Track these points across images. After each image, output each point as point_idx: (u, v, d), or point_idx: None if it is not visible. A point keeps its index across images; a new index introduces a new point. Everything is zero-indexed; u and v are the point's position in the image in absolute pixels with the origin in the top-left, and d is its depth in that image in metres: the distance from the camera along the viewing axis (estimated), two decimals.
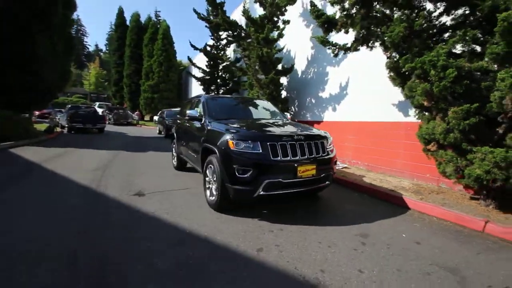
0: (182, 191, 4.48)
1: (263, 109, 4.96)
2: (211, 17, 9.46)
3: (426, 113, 3.93)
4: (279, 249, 2.56)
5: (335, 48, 5.16)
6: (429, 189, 4.42)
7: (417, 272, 2.22)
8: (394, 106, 5.57)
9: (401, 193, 4.11)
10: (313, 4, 5.08)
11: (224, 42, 14.09)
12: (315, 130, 3.80)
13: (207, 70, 13.98)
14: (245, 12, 7.48)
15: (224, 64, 14.04)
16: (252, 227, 3.05)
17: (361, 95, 6.41)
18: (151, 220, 3.23)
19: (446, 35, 3.50)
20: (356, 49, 4.84)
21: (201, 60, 14.98)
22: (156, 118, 24.99)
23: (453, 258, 2.46)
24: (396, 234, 2.92)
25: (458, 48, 3.35)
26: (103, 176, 5.34)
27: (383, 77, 5.73)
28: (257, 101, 5.24)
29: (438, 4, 3.44)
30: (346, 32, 4.91)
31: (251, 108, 4.91)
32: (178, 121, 6.01)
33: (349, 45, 5.00)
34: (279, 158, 3.15)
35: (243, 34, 7.97)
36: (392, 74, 4.19)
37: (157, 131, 18.01)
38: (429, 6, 3.59)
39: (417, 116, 4.26)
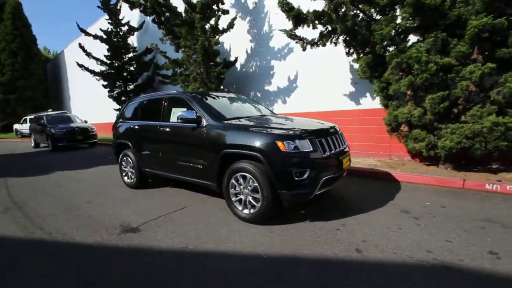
0: (181, 211, 3.64)
1: (252, 105, 4.59)
2: None
3: (393, 102, 4.74)
4: (371, 244, 2.54)
5: (303, 42, 5.35)
6: (391, 163, 5.39)
7: (476, 229, 2.73)
8: (345, 96, 6.37)
9: (383, 169, 4.84)
10: None
11: (125, 28, 11.90)
12: (326, 122, 3.88)
13: (108, 61, 11.44)
14: None
15: (131, 55, 11.89)
16: (315, 230, 2.86)
17: (311, 87, 6.96)
18: (195, 258, 2.49)
19: (412, 36, 4.29)
20: (324, 45, 5.18)
21: (90, 50, 12.04)
22: (21, 126, 18.54)
23: (478, 211, 3.15)
24: (423, 204, 3.45)
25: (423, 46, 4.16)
26: (35, 217, 3.66)
27: (332, 71, 6.47)
28: (240, 97, 4.79)
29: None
30: (314, 27, 5.18)
31: (242, 104, 4.45)
32: (133, 126, 4.72)
33: (316, 40, 5.29)
34: (328, 153, 3.06)
35: (177, 21, 6.93)
36: (363, 68, 4.75)
37: (32, 144, 13.73)
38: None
39: (381, 103, 5.07)
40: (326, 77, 6.59)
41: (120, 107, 12.19)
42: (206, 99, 4.03)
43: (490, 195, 3.62)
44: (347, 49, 5.35)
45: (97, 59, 11.07)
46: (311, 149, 2.93)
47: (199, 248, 2.65)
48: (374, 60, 4.55)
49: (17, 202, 4.43)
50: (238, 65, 8.38)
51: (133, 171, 4.76)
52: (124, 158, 4.93)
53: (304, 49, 5.45)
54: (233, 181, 3.19)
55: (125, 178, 5.01)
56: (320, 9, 4.94)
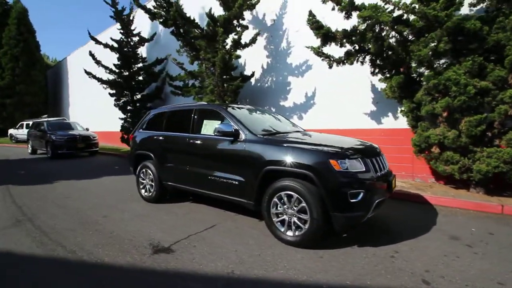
0: (212, 230, 3.39)
1: (281, 120, 4.47)
2: (151, 7, 7.67)
3: (423, 123, 4.69)
4: (436, 274, 2.35)
5: (330, 60, 5.34)
6: (417, 185, 5.28)
7: None
8: (366, 115, 6.34)
9: (412, 191, 4.71)
10: (311, 14, 5.07)
11: (136, 38, 11.89)
12: (367, 141, 3.76)
13: (116, 70, 11.30)
14: (209, 12, 6.53)
15: (140, 65, 11.80)
16: (369, 257, 2.66)
17: (329, 104, 6.92)
18: (244, 285, 2.25)
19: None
20: (351, 63, 5.18)
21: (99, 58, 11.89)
22: (17, 131, 17.95)
23: None
24: (469, 231, 3.30)
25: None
26: (51, 232, 3.37)
27: (352, 90, 6.46)
28: (268, 111, 4.68)
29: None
30: (341, 46, 5.19)
31: (274, 119, 4.32)
32: (156, 136, 4.52)
33: (343, 58, 5.29)
34: (379, 173, 2.92)
35: (196, 33, 6.90)
36: (393, 88, 4.72)
37: (29, 150, 13.33)
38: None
39: (409, 124, 5.02)
40: (346, 95, 6.57)
41: (125, 116, 11.96)
42: (239, 112, 3.89)
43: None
44: (372, 69, 5.36)
45: (106, 67, 10.93)
46: (364, 169, 2.79)
47: (247, 274, 2.41)
48: (405, 81, 4.54)
49: (26, 214, 4.11)
50: (252, 80, 8.35)
51: (153, 184, 4.51)
52: (143, 170, 4.69)
53: (330, 67, 5.44)
54: (276, 200, 3.00)
55: (143, 191, 4.74)
56: (349, 28, 4.97)
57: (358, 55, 5.19)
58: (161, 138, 4.43)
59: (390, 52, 4.47)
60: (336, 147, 2.90)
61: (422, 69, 4.54)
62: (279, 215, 3.02)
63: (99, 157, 11.84)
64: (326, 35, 4.99)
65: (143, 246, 2.98)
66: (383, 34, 4.37)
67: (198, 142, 3.84)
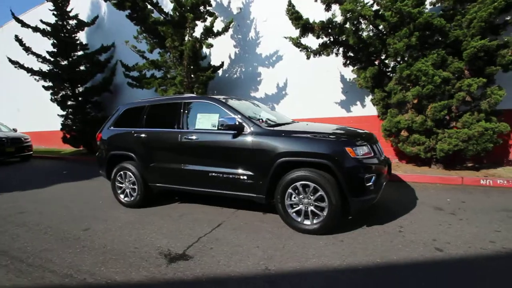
0: (221, 229, 3.24)
1: (270, 110, 4.43)
2: None
3: (392, 110, 5.20)
4: (442, 241, 2.68)
5: (307, 51, 5.46)
6: None
7: (506, 218, 3.15)
8: (336, 104, 6.73)
9: None
10: (290, 4, 5.07)
11: (73, 22, 10.23)
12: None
13: (51, 59, 9.58)
14: None
15: (81, 53, 10.23)
16: (382, 235, 2.87)
17: (301, 95, 7.14)
18: (286, 279, 2.23)
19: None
20: (328, 54, 5.40)
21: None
22: None
23: (493, 203, 3.63)
24: (445, 201, 3.82)
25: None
26: (28, 257, 2.84)
27: (322, 80, 6.78)
28: (256, 102, 4.57)
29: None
30: (317, 37, 5.35)
31: (267, 110, 4.25)
32: (137, 134, 4.03)
33: (319, 50, 5.47)
34: (382, 158, 3.15)
35: (160, 18, 6.23)
36: (366, 78, 5.09)
37: None
38: None
39: (378, 111, 5.52)
40: (317, 86, 6.86)
41: (65, 112, 10.33)
42: (237, 103, 3.73)
43: (487, 189, 4.27)
44: (344, 60, 5.69)
45: (38, 56, 9.16)
46: (372, 154, 2.98)
47: (283, 268, 2.38)
48: (378, 72, 4.94)
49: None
50: (220, 70, 8.05)
51: (135, 188, 4.05)
52: (121, 173, 4.16)
53: (308, 58, 5.57)
54: (291, 190, 3.00)
55: (121, 196, 4.23)
56: (324, 20, 5.12)
57: (333, 46, 5.43)
58: (143, 135, 3.97)
59: (365, 45, 4.79)
60: (347, 135, 3.02)
61: (391, 62, 5.00)
62: (294, 206, 3.03)
63: (36, 162, 10.08)
64: (305, 26, 5.06)
65: (153, 256, 2.68)
66: (360, 27, 4.65)
67: (194, 137, 3.55)
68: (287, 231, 3.07)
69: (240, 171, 3.26)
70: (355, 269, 2.31)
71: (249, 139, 3.19)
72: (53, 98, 9.97)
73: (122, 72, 9.69)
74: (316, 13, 5.44)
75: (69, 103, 10.23)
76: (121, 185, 4.22)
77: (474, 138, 4.36)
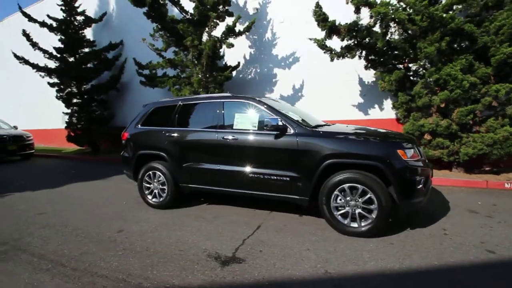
0: (262, 231, 3.18)
1: (299, 111, 4.40)
2: None
3: (415, 113, 5.25)
4: (491, 244, 2.69)
5: (332, 53, 5.47)
6: None
7: None
8: (354, 107, 6.77)
9: None
10: (318, 6, 5.07)
11: (81, 18, 10.02)
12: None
13: (58, 55, 9.34)
14: None
15: (87, 50, 10.02)
16: (429, 237, 2.87)
17: (317, 97, 7.14)
18: (350, 283, 2.19)
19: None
20: (353, 57, 5.42)
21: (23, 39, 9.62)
22: None
23: None
24: (476, 204, 3.87)
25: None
26: (69, 260, 2.72)
27: (340, 83, 6.81)
28: (283, 102, 4.53)
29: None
30: (342, 39, 5.37)
31: (296, 110, 4.21)
32: (169, 133, 3.94)
33: (343, 52, 5.49)
34: (426, 160, 3.17)
35: (182, 16, 6.14)
36: (391, 82, 5.13)
37: None
38: None
39: (400, 115, 5.57)
40: (334, 88, 6.88)
41: (70, 110, 10.08)
42: (276, 104, 3.69)
43: (506, 192, 4.35)
44: (366, 63, 5.73)
45: (45, 52, 8.92)
46: (419, 157, 2.99)
47: (343, 271, 2.34)
48: (403, 75, 4.99)
49: (4, 240, 3.15)
50: (234, 71, 8.00)
51: (165, 188, 3.96)
52: (149, 173, 4.06)
53: (332, 60, 5.58)
54: (337, 192, 2.97)
55: (149, 197, 4.12)
56: (348, 22, 5.14)
57: (357, 49, 5.46)
58: (176, 135, 3.88)
59: (392, 48, 4.82)
60: (395, 137, 3.02)
61: (414, 66, 5.06)
62: (339, 208, 3.01)
63: (38, 161, 9.79)
64: (331, 28, 5.07)
65: (203, 259, 2.61)
66: (389, 30, 4.69)
67: (234, 138, 3.48)
68: (332, 234, 3.04)
69: (283, 172, 3.21)
70: (417, 272, 2.30)
71: (294, 140, 3.15)
72: (58, 95, 9.72)
73: (130, 70, 9.56)
74: (336, 15, 5.43)
75: (75, 100, 9.99)
76: (149, 186, 4.12)
77: (499, 143, 4.44)
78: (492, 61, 4.26)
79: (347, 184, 2.91)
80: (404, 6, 4.36)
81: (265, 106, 3.45)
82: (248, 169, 3.41)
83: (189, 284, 2.24)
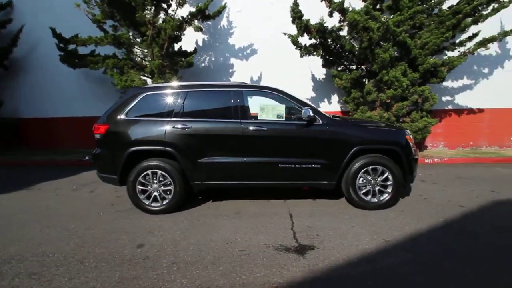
0: (302, 219, 3.30)
1: None
2: None
3: (363, 107, 6.41)
4: (455, 201, 3.77)
5: (303, 50, 5.90)
6: None
7: (465, 182, 4.66)
8: (307, 100, 7.48)
9: None
10: (295, 3, 5.34)
11: None
12: None
13: None
14: None
15: None
16: (422, 202, 3.75)
17: None
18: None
19: None
20: (319, 55, 6.02)
21: None
22: None
23: (446, 173, 5.22)
24: (421, 176, 5.19)
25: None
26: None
27: (295, 78, 7.41)
28: None
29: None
30: (310, 38, 5.88)
31: None
32: (177, 126, 3.37)
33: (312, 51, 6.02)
34: None
35: None
36: (347, 80, 6.06)
37: None
38: None
39: (351, 108, 6.65)
40: (290, 82, 7.33)
41: None
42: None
43: (432, 165, 6.01)
44: (323, 62, 6.49)
45: None
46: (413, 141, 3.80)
47: (395, 237, 2.77)
48: (360, 75, 5.98)
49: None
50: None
51: (171, 189, 3.42)
52: (147, 174, 3.40)
53: (301, 56, 6.00)
54: (362, 174, 3.43)
55: (146, 202, 3.45)
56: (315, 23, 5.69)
57: (320, 48, 6.09)
58: (188, 127, 3.38)
59: (352, 52, 5.69)
60: (398, 126, 3.72)
61: (367, 68, 6.16)
62: (361, 188, 3.48)
63: None
64: (306, 27, 5.47)
65: (276, 253, 2.53)
66: (354, 35, 5.50)
67: (261, 128, 3.37)
68: (356, 211, 3.46)
69: (314, 160, 3.40)
70: (433, 226, 3.01)
71: (324, 129, 3.38)
72: None
73: (27, 42, 7.25)
74: (308, 14, 5.88)
75: None
76: (145, 188, 3.44)
77: (419, 130, 6.05)
78: (420, 68, 5.73)
79: (371, 166, 3.40)
80: (368, 17, 5.20)
81: (292, 97, 3.51)
82: (277, 159, 3.41)
83: (293, 277, 2.18)
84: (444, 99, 7.09)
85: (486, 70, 6.97)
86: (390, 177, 3.41)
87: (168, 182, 3.41)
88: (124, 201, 3.89)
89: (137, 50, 6.00)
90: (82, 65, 6.26)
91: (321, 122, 3.41)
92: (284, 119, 3.45)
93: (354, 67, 6.27)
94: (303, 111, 3.27)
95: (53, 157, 7.05)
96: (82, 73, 7.16)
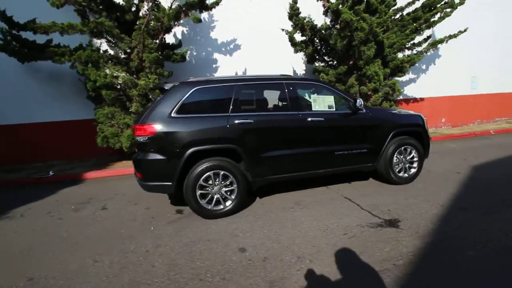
0: (360, 199, 3.60)
1: None
2: None
3: None
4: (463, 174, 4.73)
5: (298, 46, 6.16)
6: None
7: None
8: None
9: None
10: (294, 0, 5.54)
11: None
12: None
13: None
14: None
15: None
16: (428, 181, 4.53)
17: None
18: None
19: None
20: (310, 51, 6.39)
21: None
22: None
23: None
24: None
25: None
26: None
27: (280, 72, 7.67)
28: None
29: None
30: (303, 35, 6.20)
31: None
32: (238, 121, 3.15)
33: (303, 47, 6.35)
34: None
35: None
36: (334, 74, 6.65)
37: None
38: None
39: None
40: None
41: None
42: None
43: None
44: (306, 58, 6.95)
45: None
46: None
47: (445, 204, 3.38)
48: (346, 70, 6.63)
49: None
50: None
51: (234, 189, 3.24)
52: (208, 175, 3.12)
53: (295, 52, 6.26)
54: (396, 154, 3.94)
55: (208, 206, 3.17)
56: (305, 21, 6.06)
57: (310, 45, 6.49)
58: (250, 121, 3.21)
59: (335, 49, 6.29)
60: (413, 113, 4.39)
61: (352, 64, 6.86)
62: (395, 166, 4.00)
63: None
64: (302, 24, 5.75)
65: (374, 231, 2.76)
66: (343, 34, 6.04)
67: (319, 119, 3.49)
68: (392, 187, 3.97)
69: (363, 145, 3.75)
70: (445, 193, 3.74)
71: (368, 116, 3.74)
72: None
73: None
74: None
75: None
76: (206, 192, 3.14)
77: None
78: (390, 65, 6.76)
79: (403, 147, 3.95)
80: (359, 18, 5.81)
81: (336, 88, 3.75)
82: (334, 147, 3.61)
83: (413, 245, 2.43)
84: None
85: (424, 66, 8.69)
86: (415, 154, 4.03)
87: (230, 182, 3.20)
88: (160, 211, 3.47)
89: (121, 43, 5.15)
90: (41, 58, 5.01)
91: (364, 110, 3.75)
92: (334, 109, 3.66)
93: (335, 63, 6.90)
94: (357, 101, 3.55)
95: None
96: (31, 68, 5.69)
